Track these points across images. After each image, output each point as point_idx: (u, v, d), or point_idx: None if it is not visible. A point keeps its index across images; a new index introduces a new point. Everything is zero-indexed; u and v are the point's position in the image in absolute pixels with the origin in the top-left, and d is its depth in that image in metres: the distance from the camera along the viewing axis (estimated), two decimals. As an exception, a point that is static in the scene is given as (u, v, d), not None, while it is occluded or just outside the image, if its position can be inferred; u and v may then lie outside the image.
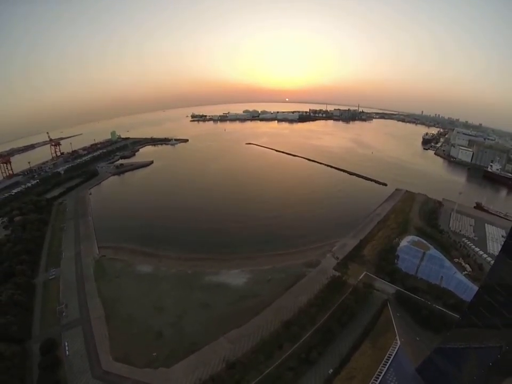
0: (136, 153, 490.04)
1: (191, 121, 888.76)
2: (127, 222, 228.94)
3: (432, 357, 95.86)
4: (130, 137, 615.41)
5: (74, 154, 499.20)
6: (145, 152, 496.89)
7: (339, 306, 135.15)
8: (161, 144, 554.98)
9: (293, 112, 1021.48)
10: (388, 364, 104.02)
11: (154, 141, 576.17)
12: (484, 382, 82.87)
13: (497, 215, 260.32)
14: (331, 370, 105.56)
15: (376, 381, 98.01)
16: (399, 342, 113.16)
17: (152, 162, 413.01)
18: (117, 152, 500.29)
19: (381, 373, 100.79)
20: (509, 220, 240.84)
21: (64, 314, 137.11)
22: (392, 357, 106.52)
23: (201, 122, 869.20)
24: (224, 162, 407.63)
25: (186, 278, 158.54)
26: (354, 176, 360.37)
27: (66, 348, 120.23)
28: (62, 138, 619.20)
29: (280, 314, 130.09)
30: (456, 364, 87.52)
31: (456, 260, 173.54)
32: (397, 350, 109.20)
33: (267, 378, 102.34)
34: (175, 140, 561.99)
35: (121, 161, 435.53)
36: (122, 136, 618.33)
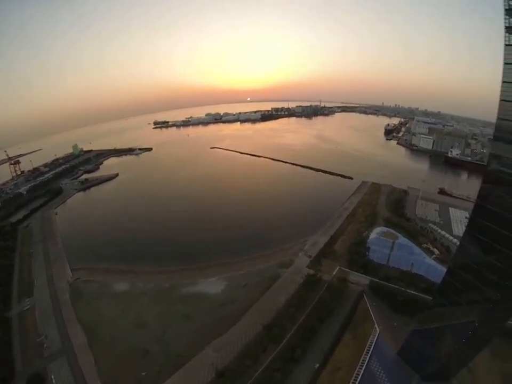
0: (100, 166, 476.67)
1: (153, 128, 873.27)
2: (98, 239, 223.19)
3: (410, 339, 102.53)
4: (93, 149, 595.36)
5: (36, 172, 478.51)
6: (109, 165, 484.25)
7: (316, 303, 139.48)
8: (126, 154, 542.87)
9: (255, 112, 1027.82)
10: (370, 352, 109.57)
11: (118, 152, 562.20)
12: (459, 356, 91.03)
13: (460, 198, 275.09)
14: (317, 365, 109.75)
15: (361, 369, 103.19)
16: (378, 329, 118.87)
17: (117, 174, 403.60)
18: (80, 166, 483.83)
19: (365, 361, 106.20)
20: (471, 201, 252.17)
21: (45, 345, 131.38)
22: (373, 345, 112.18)
23: (164, 129, 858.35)
24: (190, 168, 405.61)
25: (165, 292, 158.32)
26: (320, 172, 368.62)
27: (53, 381, 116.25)
28: (21, 155, 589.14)
29: (260, 318, 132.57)
30: (433, 342, 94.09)
31: (424, 245, 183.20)
32: (377, 338, 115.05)
33: (257, 382, 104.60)
34: (139, 149, 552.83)
35: (85, 176, 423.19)
36: (84, 149, 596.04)
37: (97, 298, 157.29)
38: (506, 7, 60.65)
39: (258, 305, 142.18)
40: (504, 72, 63.14)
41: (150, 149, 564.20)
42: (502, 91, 64.91)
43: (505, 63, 62.46)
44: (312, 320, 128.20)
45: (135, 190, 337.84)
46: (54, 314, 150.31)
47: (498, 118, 67.80)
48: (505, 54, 62.34)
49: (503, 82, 63.91)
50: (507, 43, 62.09)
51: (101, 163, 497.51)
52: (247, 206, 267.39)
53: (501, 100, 65.83)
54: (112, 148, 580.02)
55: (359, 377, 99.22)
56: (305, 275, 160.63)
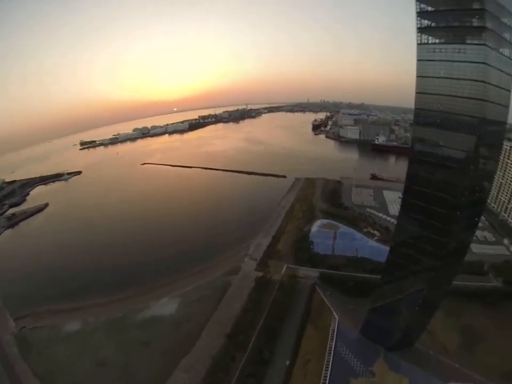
0: (27, 198, 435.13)
1: (80, 149, 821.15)
2: (37, 280, 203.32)
3: (369, 318, 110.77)
4: (17, 179, 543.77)
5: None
6: (37, 194, 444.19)
7: (272, 304, 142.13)
8: (53, 181, 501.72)
9: (182, 122, 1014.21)
10: (334, 338, 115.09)
11: (44, 179, 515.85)
12: (417, 322, 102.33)
13: (391, 181, 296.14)
14: (287, 362, 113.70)
15: (330, 356, 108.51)
16: (337, 316, 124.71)
17: (47, 204, 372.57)
18: (5, 200, 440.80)
19: (331, 348, 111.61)
20: (402, 182, 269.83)
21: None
22: (335, 331, 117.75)
23: (91, 149, 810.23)
24: (123, 189, 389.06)
25: (118, 322, 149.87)
26: (253, 175, 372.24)
27: None
28: None
29: (220, 329, 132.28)
30: (390, 316, 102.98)
31: (365, 229, 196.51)
32: (338, 324, 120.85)
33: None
34: (67, 173, 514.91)
35: (12, 210, 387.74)
36: (7, 180, 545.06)
37: (49, 346, 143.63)
38: (418, 10, 69.18)
39: (216, 316, 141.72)
40: (417, 68, 71.79)
41: (79, 172, 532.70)
42: (416, 85, 73.94)
43: (418, 60, 71.02)
44: (272, 320, 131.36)
45: (68, 219, 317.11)
46: (6, 372, 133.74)
47: (415, 109, 77.36)
48: (417, 52, 70.89)
49: (417, 77, 72.76)
50: (419, 42, 70.74)
51: (28, 194, 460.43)
52: (185, 220, 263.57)
53: (417, 93, 74.88)
54: (38, 176, 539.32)
55: (330, 364, 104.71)
56: (255, 279, 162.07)
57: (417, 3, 68.03)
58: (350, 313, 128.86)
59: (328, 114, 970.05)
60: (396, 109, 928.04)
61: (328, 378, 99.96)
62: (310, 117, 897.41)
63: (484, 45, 62.13)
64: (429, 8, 69.46)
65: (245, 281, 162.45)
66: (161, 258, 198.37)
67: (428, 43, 70.27)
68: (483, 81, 63.08)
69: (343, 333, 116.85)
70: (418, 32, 70.31)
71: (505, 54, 68.23)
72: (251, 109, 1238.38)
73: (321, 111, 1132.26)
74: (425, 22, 69.94)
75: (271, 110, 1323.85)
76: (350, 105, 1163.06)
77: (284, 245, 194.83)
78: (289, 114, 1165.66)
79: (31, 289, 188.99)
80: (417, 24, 69.88)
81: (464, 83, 65.67)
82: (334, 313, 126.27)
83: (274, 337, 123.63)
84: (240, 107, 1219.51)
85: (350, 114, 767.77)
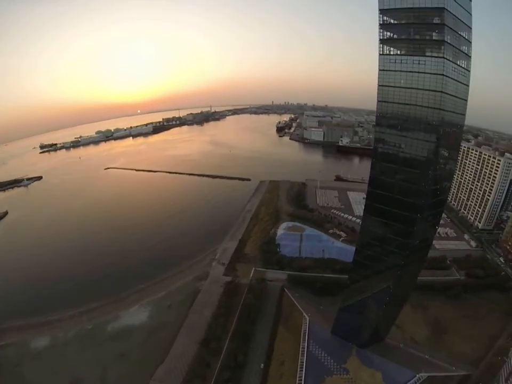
0: None
1: (40, 153, 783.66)
2: None
3: (339, 317, 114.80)
4: None
5: None
6: None
7: (242, 308, 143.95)
8: (12, 187, 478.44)
9: (146, 124, 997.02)
10: (306, 338, 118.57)
11: (2, 186, 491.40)
12: (385, 318, 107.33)
13: (356, 181, 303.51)
14: (262, 365, 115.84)
15: (303, 356, 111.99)
16: (307, 317, 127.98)
17: (6, 213, 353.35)
18: None
19: (304, 348, 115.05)
20: (366, 183, 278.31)
21: None
22: (307, 331, 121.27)
23: (52, 153, 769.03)
24: (85, 196, 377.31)
25: (90, 335, 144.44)
26: (218, 179, 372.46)
27: None
28: None
29: (193, 336, 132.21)
30: (359, 314, 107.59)
31: (331, 231, 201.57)
32: (308, 324, 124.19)
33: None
34: (27, 179, 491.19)
35: None
36: None
37: (18, 365, 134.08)
38: (381, 22, 72.24)
39: (188, 323, 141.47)
40: (379, 78, 75.26)
41: (40, 178, 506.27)
42: (378, 93, 77.47)
43: (380, 70, 74.49)
44: (244, 324, 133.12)
45: (30, 228, 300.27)
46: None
47: (377, 115, 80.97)
48: (379, 62, 74.13)
49: (379, 86, 76.31)
50: (381, 53, 73.92)
51: None
52: (152, 226, 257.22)
53: (378, 101, 78.27)
54: None
55: (304, 364, 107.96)
56: (224, 283, 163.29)
57: (381, 16, 71.03)
58: (320, 313, 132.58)
59: (293, 116, 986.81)
60: (358, 111, 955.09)
61: (303, 378, 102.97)
62: (275, 119, 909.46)
63: (443, 57, 66.04)
64: (392, 21, 72.87)
65: (214, 286, 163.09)
66: (128, 266, 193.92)
67: (389, 54, 73.56)
68: (441, 91, 67.04)
69: (315, 333, 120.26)
70: (380, 43, 73.25)
71: (462, 65, 73.00)
72: (215, 111, 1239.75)
73: (285, 113, 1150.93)
74: (388, 34, 73.25)
75: (235, 112, 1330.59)
76: (314, 107, 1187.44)
77: (251, 249, 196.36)
78: (254, 117, 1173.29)
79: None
80: (379, 35, 72.87)
81: (423, 93, 69.34)
82: (305, 314, 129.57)
83: (248, 340, 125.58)
84: (205, 109, 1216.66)
85: (314, 116, 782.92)
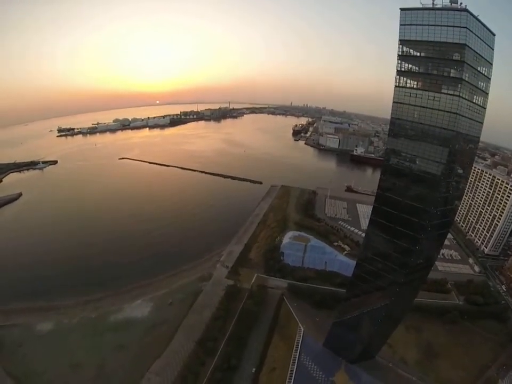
0: None
1: (58, 136, 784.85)
2: (8, 275, 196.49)
3: (333, 331, 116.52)
4: None
5: None
6: (10, 182, 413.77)
7: (241, 312, 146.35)
8: (28, 169, 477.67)
9: (164, 116, 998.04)
10: (298, 349, 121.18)
11: (18, 166, 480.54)
12: (379, 335, 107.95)
13: (366, 194, 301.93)
14: (254, 370, 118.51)
15: (294, 365, 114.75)
16: (302, 328, 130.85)
17: (20, 194, 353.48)
18: None
19: (295, 358, 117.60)
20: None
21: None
22: (300, 342, 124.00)
23: (69, 137, 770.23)
24: (99, 184, 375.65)
25: (92, 324, 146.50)
26: (229, 179, 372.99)
27: None
28: None
29: (191, 334, 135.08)
30: (353, 329, 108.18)
31: (335, 243, 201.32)
32: (303, 335, 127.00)
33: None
34: (43, 162, 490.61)
35: None
36: None
37: (22, 345, 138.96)
38: (400, 53, 72.46)
39: (187, 321, 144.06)
40: (392, 110, 76.17)
41: (55, 162, 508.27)
42: (390, 126, 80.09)
43: (394, 102, 75.44)
44: (241, 328, 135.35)
45: (43, 211, 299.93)
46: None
47: (387, 149, 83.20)
48: (394, 94, 75.05)
49: (392, 118, 77.47)
50: (397, 85, 74.56)
51: (0, 180, 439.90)
52: (160, 222, 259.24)
53: (389, 136, 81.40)
54: (12, 162, 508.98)
55: (294, 374, 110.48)
56: (225, 286, 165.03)
57: (400, 46, 71.29)
58: (316, 325, 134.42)
59: (310, 120, 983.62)
60: (377, 119, 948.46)
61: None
62: (292, 121, 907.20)
63: (458, 96, 66.35)
64: (412, 52, 72.91)
65: (216, 288, 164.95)
66: (135, 260, 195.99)
67: (405, 86, 73.80)
68: (453, 130, 67.59)
69: (308, 344, 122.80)
70: (397, 75, 73.76)
71: (478, 102, 72.95)
72: (233, 108, 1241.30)
73: (303, 115, 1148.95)
74: (406, 66, 73.61)
75: (253, 110, 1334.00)
76: (332, 112, 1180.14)
77: (256, 254, 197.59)
78: (271, 117, 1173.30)
79: (1, 284, 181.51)
80: (397, 67, 73.31)
81: (436, 130, 69.91)
82: (300, 324, 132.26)
83: (242, 344, 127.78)
84: (223, 105, 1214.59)
85: (331, 122, 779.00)
